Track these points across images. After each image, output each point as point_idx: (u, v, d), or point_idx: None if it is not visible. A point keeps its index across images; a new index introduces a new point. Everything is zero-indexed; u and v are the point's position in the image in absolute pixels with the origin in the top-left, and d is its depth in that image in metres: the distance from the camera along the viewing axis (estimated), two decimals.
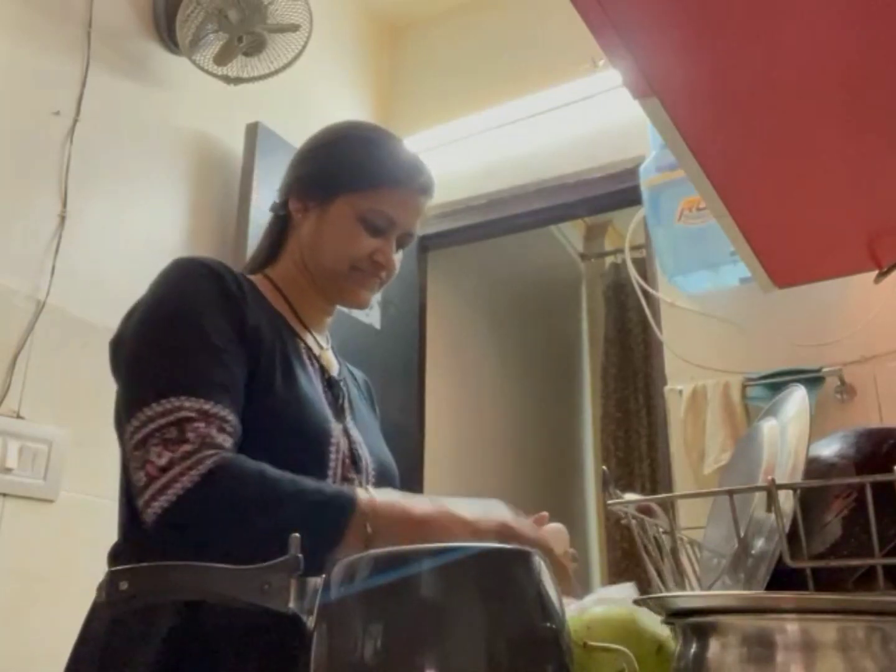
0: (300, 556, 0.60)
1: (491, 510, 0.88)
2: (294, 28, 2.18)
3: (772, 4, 0.79)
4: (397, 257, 1.09)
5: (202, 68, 2.18)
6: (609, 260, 4.06)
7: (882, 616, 0.52)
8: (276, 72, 2.24)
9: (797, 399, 0.73)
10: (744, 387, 2.15)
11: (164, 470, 0.82)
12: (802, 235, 1.27)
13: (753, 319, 2.19)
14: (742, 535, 0.62)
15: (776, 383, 2.06)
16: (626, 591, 0.79)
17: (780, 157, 1.05)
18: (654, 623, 0.72)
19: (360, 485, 0.98)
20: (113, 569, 0.64)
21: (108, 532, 0.96)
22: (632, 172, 2.39)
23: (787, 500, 0.60)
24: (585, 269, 4.25)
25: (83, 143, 1.94)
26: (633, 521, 0.69)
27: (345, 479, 0.98)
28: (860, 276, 1.40)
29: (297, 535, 0.61)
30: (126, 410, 0.89)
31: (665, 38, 0.85)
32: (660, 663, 0.71)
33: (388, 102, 3.13)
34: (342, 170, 1.07)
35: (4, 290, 1.74)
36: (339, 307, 1.15)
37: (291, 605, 0.59)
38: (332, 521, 0.84)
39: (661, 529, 0.72)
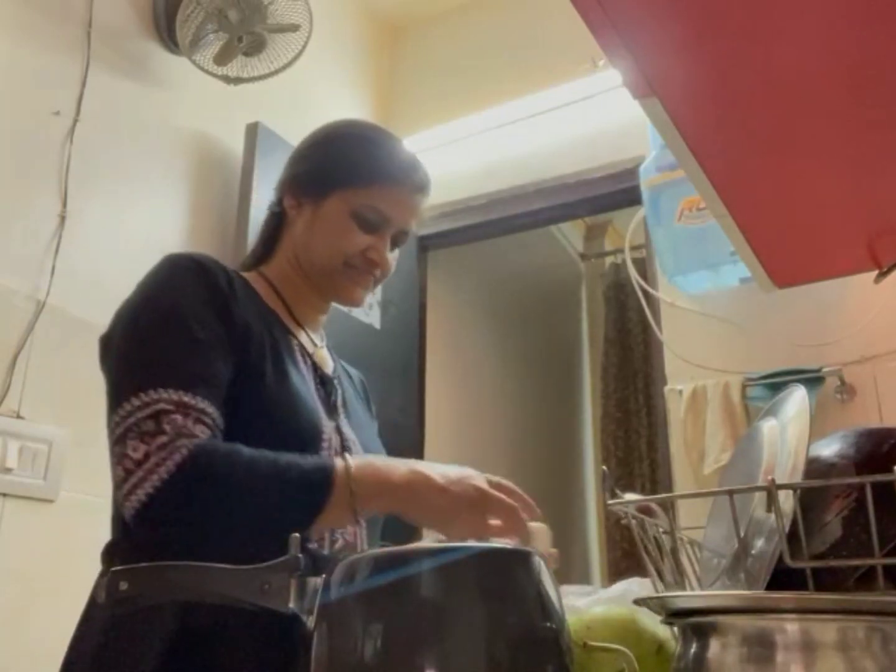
0: (300, 556, 0.60)
1: (465, 476, 0.88)
2: (294, 28, 2.18)
3: (772, 4, 0.79)
4: (393, 256, 1.09)
5: (202, 68, 2.18)
6: (609, 260, 4.06)
7: (882, 616, 0.52)
8: (276, 72, 2.24)
9: (797, 399, 0.73)
10: (744, 387, 2.15)
11: (139, 463, 0.82)
12: (802, 235, 1.27)
13: (753, 319, 2.19)
14: (742, 535, 0.62)
15: (776, 383, 2.05)
16: (633, 585, 0.80)
17: (780, 157, 1.05)
18: (654, 623, 0.72)
19: None
20: (113, 569, 0.63)
21: (108, 532, 0.96)
22: (632, 172, 2.39)
23: (787, 500, 0.60)
24: (585, 269, 4.24)
25: (83, 143, 1.94)
26: (633, 521, 0.69)
27: None
28: (860, 276, 1.40)
29: (296, 536, 0.61)
30: (109, 407, 0.89)
31: (665, 38, 0.85)
32: (660, 663, 0.71)
33: (388, 102, 3.13)
34: (336, 166, 1.06)
35: (4, 290, 1.74)
36: (335, 305, 1.15)
37: (291, 605, 0.59)
38: (312, 492, 0.84)
39: (661, 529, 0.72)
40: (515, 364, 3.66)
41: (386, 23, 3.18)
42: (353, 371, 1.23)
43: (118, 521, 0.94)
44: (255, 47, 2.17)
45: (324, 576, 0.59)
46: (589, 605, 0.79)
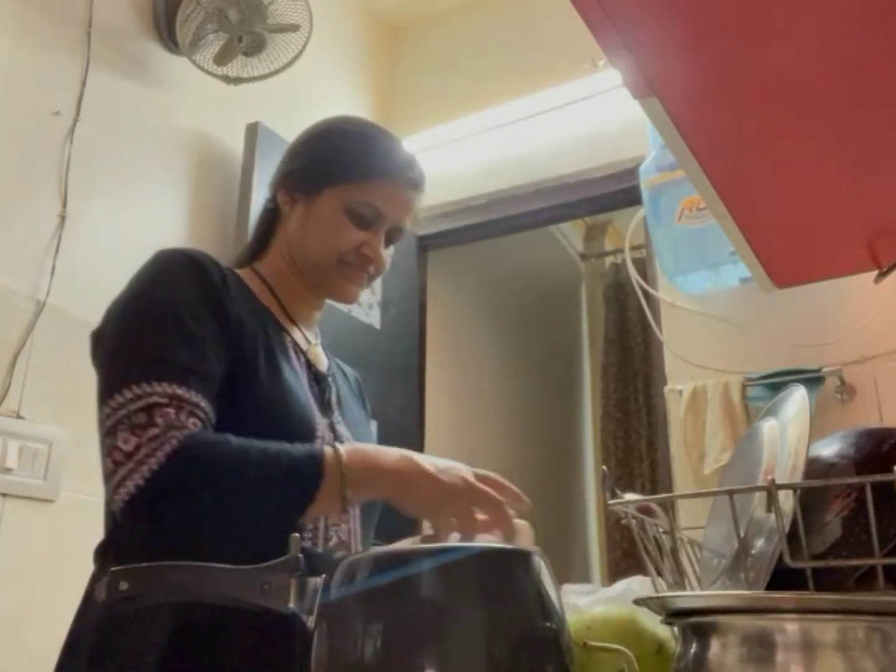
0: (300, 556, 0.60)
1: (453, 466, 0.89)
2: (294, 28, 2.18)
3: (772, 4, 0.79)
4: (387, 253, 1.09)
5: (202, 68, 2.18)
6: (609, 260, 4.06)
7: (882, 616, 0.52)
8: (276, 72, 2.24)
9: (797, 399, 0.73)
10: (744, 387, 2.15)
11: (129, 455, 0.81)
12: (802, 235, 1.27)
13: (753, 319, 2.19)
14: (742, 535, 0.62)
15: (776, 383, 2.06)
16: (634, 585, 0.80)
17: (780, 158, 1.05)
18: (654, 623, 0.72)
19: None
20: (113, 569, 0.63)
21: None
22: (632, 172, 2.39)
23: (787, 500, 0.60)
24: (585, 269, 4.24)
25: (83, 143, 1.94)
26: (633, 521, 0.69)
27: None
28: (860, 276, 1.40)
29: (295, 536, 0.61)
30: (99, 399, 0.88)
31: (665, 38, 0.85)
32: (660, 663, 0.71)
33: (388, 102, 3.13)
34: (330, 162, 1.06)
35: (4, 290, 1.74)
36: (334, 306, 1.14)
37: (291, 605, 0.58)
38: (303, 479, 0.84)
39: (661, 529, 0.72)
40: (515, 364, 3.66)
41: (386, 23, 3.18)
42: (348, 369, 1.22)
43: (110, 520, 0.93)
44: (255, 47, 2.17)
45: (324, 576, 0.59)
46: (589, 604, 0.80)
